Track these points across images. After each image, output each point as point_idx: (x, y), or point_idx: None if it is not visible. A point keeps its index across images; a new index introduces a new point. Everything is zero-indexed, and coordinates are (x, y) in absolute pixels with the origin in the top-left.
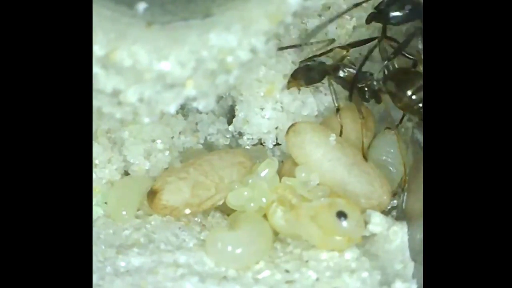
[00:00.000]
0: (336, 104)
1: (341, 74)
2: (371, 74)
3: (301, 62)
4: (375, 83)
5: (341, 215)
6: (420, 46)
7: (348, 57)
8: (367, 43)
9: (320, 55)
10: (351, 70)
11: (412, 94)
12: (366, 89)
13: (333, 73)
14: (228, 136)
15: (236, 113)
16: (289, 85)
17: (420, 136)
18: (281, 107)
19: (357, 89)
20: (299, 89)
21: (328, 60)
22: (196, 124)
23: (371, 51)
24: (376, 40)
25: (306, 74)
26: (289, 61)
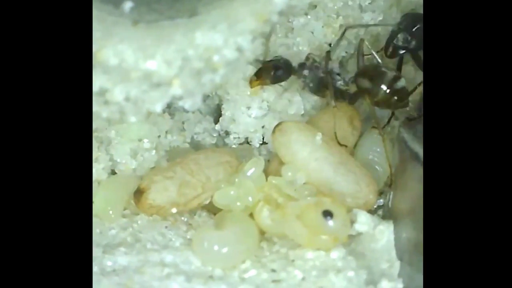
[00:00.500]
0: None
1: (306, 72)
2: (338, 74)
3: (265, 61)
4: (341, 82)
5: (327, 214)
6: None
7: (311, 54)
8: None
9: None
10: (316, 68)
11: (388, 87)
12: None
13: (299, 71)
14: (214, 135)
15: (222, 112)
16: (252, 84)
17: (406, 135)
18: (268, 106)
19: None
20: (263, 87)
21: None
22: (183, 123)
23: (357, 51)
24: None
25: (272, 73)
26: None
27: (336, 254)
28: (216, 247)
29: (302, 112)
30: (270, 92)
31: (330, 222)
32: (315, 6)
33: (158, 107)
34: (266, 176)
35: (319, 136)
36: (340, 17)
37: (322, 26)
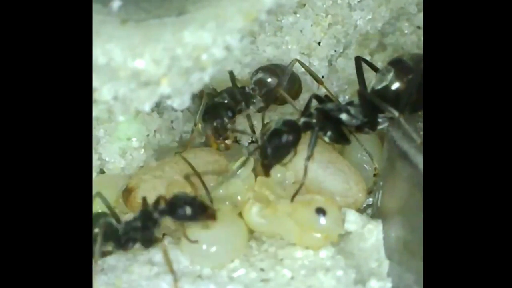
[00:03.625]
0: None
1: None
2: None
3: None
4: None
5: (320, 211)
6: None
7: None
8: None
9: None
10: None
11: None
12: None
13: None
14: (203, 135)
15: None
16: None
17: (395, 134)
18: None
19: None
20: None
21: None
22: (172, 122)
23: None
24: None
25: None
26: (265, 59)
27: (325, 253)
28: (204, 246)
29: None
30: None
31: (323, 220)
32: (304, 5)
33: (147, 106)
34: (255, 175)
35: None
36: (329, 16)
37: (311, 25)
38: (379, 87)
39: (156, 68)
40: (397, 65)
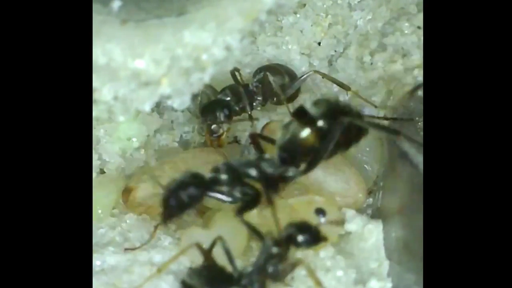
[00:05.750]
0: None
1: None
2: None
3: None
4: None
5: (320, 212)
6: None
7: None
8: None
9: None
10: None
11: None
12: None
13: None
14: (203, 134)
15: None
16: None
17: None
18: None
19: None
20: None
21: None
22: (172, 122)
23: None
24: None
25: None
26: (265, 59)
27: (325, 253)
28: (205, 247)
29: None
30: None
31: (322, 220)
32: (304, 5)
33: (147, 106)
34: None
35: None
36: (329, 16)
37: (311, 25)
38: (283, 141)
39: (156, 68)
40: (299, 115)
